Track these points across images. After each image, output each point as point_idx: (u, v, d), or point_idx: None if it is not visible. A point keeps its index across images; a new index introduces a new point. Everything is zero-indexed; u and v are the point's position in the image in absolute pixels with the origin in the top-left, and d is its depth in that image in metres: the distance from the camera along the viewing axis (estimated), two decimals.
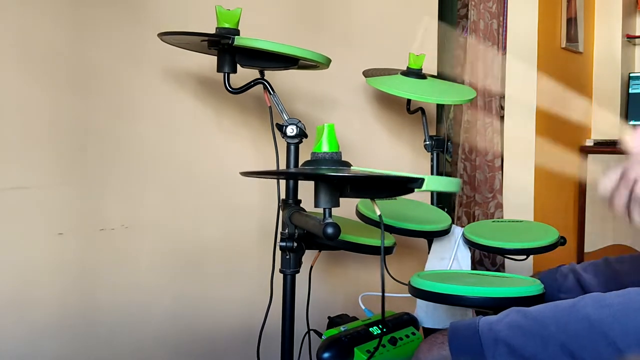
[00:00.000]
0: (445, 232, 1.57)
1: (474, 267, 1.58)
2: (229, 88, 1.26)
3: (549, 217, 2.68)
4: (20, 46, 1.24)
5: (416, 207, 1.67)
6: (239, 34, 1.20)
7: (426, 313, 1.52)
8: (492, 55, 2.75)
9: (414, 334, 1.40)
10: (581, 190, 3.15)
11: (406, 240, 1.73)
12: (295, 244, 1.19)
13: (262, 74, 1.30)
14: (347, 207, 1.27)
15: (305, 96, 1.73)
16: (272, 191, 1.30)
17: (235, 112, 1.59)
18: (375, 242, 1.25)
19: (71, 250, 1.32)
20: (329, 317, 1.48)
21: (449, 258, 1.59)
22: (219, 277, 1.57)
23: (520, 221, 1.76)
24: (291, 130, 1.25)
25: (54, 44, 1.28)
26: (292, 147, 1.26)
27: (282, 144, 1.27)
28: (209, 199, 1.55)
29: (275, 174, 1.24)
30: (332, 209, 0.94)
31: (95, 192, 1.36)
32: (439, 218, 1.62)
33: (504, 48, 2.75)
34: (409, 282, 1.21)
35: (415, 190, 0.94)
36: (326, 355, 1.24)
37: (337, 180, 0.94)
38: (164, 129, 1.47)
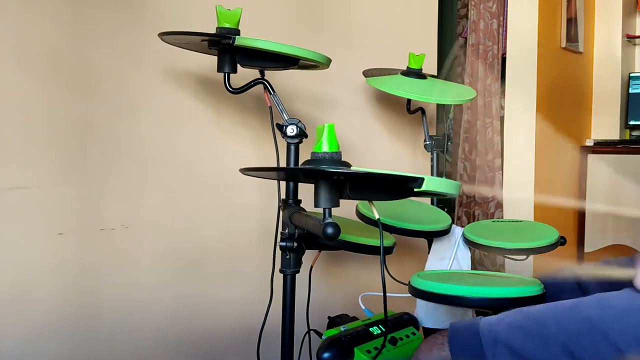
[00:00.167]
0: (445, 232, 1.57)
1: (474, 267, 1.58)
2: (229, 88, 1.26)
3: (549, 217, 2.68)
4: (20, 46, 1.24)
5: (416, 207, 1.67)
6: (239, 34, 1.20)
7: (426, 313, 1.52)
8: (492, 55, 2.75)
9: (414, 334, 1.40)
10: (581, 190, 3.16)
11: (406, 240, 1.73)
12: (295, 244, 1.19)
13: (262, 73, 1.30)
14: (347, 207, 1.27)
15: (305, 96, 1.73)
16: (272, 191, 1.30)
17: (235, 112, 1.59)
18: (375, 242, 1.25)
19: (71, 250, 1.32)
20: (329, 317, 1.48)
21: (449, 258, 1.59)
22: (219, 277, 1.57)
23: (520, 221, 1.76)
24: (291, 130, 1.25)
25: (54, 44, 1.28)
26: (292, 147, 1.26)
27: (282, 143, 1.27)
28: (209, 199, 1.55)
29: (274, 170, 1.24)
30: (332, 209, 0.94)
31: (95, 192, 1.36)
32: (439, 218, 1.62)
33: (504, 48, 2.75)
34: (409, 282, 1.21)
35: (415, 190, 0.94)
36: (326, 355, 1.24)
37: (336, 179, 0.94)
38: (164, 129, 1.47)
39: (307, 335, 1.46)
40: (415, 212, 1.62)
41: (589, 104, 3.39)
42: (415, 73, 1.67)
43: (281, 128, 1.25)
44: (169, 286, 1.48)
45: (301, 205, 1.27)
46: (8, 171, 1.23)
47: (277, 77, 1.54)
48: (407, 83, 1.65)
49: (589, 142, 3.25)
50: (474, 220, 2.71)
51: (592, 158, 3.16)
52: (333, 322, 1.46)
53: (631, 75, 3.41)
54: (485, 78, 2.76)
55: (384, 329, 1.34)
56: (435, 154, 1.77)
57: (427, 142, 1.77)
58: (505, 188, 2.70)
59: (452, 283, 1.16)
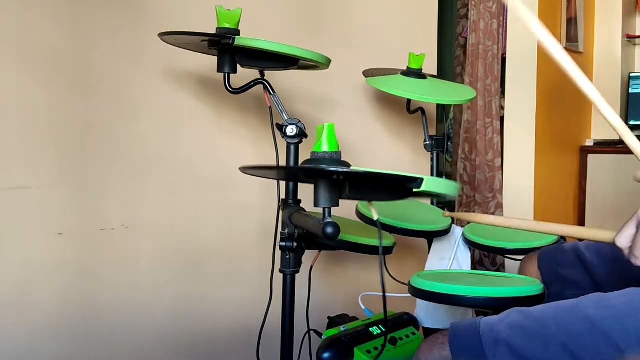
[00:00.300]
0: (445, 232, 1.57)
1: (474, 267, 1.58)
2: (229, 88, 1.26)
3: (549, 217, 2.68)
4: (20, 46, 1.24)
5: (416, 207, 1.67)
6: (239, 34, 1.20)
7: (426, 313, 1.52)
8: (492, 55, 2.75)
9: (414, 334, 1.40)
10: (581, 189, 3.16)
11: (406, 240, 1.73)
12: (295, 244, 1.19)
13: (262, 74, 1.30)
14: (347, 207, 1.27)
15: (305, 96, 1.73)
16: (272, 191, 1.30)
17: (235, 112, 1.59)
18: (375, 242, 1.25)
19: (71, 250, 1.32)
20: (329, 317, 1.48)
21: (449, 258, 1.59)
22: (219, 277, 1.57)
23: None
24: (291, 130, 1.25)
25: (54, 44, 1.28)
26: (292, 147, 1.26)
27: (282, 143, 1.27)
28: (209, 199, 1.55)
29: (274, 169, 1.24)
30: (332, 208, 0.94)
31: (95, 192, 1.36)
32: (439, 218, 1.62)
33: (504, 48, 2.75)
34: (409, 282, 1.21)
35: (414, 190, 0.94)
36: (326, 355, 1.24)
37: (336, 179, 0.94)
38: (164, 129, 1.47)
39: (307, 335, 1.46)
40: (415, 212, 1.62)
41: (589, 104, 3.39)
42: (415, 73, 1.67)
43: (281, 128, 1.25)
44: (169, 286, 1.48)
45: (301, 205, 1.27)
46: (8, 171, 1.23)
47: (277, 77, 1.54)
48: (407, 83, 1.65)
49: (589, 142, 3.25)
50: None
51: (592, 158, 3.16)
52: (333, 322, 1.46)
53: (631, 75, 3.41)
54: (485, 78, 2.76)
55: (384, 329, 1.34)
56: (435, 154, 1.77)
57: (427, 142, 1.77)
58: (505, 188, 2.71)
59: (452, 283, 1.16)
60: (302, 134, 1.25)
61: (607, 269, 1.27)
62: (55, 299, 1.30)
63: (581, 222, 3.14)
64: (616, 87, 3.36)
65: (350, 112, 1.87)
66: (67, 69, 1.31)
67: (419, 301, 1.52)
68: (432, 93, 1.68)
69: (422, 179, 0.91)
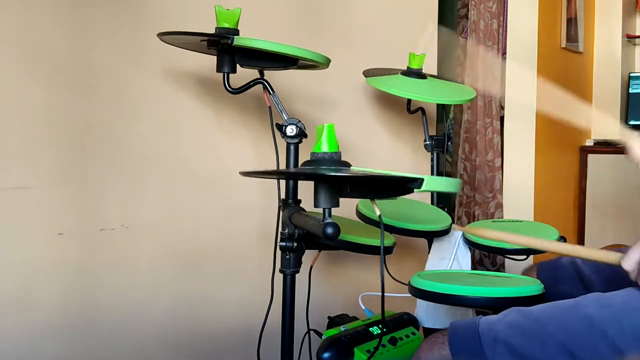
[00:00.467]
0: (445, 232, 1.57)
1: (474, 267, 1.58)
2: (228, 88, 1.26)
3: (549, 217, 2.68)
4: (20, 46, 1.24)
5: (416, 207, 1.67)
6: (238, 34, 1.20)
7: (426, 313, 1.52)
8: (492, 55, 2.75)
9: (414, 334, 1.40)
10: (581, 189, 3.16)
11: (406, 240, 1.73)
12: (295, 244, 1.19)
13: (261, 73, 1.30)
14: (347, 207, 1.27)
15: (305, 96, 1.73)
16: (272, 191, 1.30)
17: (235, 112, 1.59)
18: (375, 242, 1.25)
19: (71, 250, 1.32)
20: (329, 317, 1.48)
21: (449, 258, 1.59)
22: (219, 277, 1.57)
23: (520, 221, 1.76)
24: (291, 130, 1.25)
25: (54, 44, 1.28)
26: (292, 147, 1.26)
27: (282, 143, 1.27)
28: (209, 199, 1.55)
29: (275, 174, 1.24)
30: (332, 209, 0.94)
31: (95, 192, 1.36)
32: (439, 218, 1.61)
33: (504, 48, 2.75)
34: (409, 282, 1.21)
35: (415, 190, 0.94)
36: (326, 355, 1.24)
37: (336, 180, 0.94)
38: (164, 129, 1.47)
39: (307, 335, 1.46)
40: (415, 212, 1.62)
41: (589, 104, 3.39)
42: (415, 73, 1.67)
43: (281, 128, 1.25)
44: (169, 286, 1.48)
45: (301, 205, 1.27)
46: (8, 171, 1.24)
47: (277, 77, 1.54)
48: (407, 83, 1.65)
49: (589, 142, 3.24)
50: (474, 220, 2.71)
51: (592, 158, 3.16)
52: (333, 322, 1.46)
53: (631, 75, 3.41)
54: (485, 78, 2.76)
55: (384, 329, 1.34)
56: (435, 154, 1.77)
57: (427, 142, 1.77)
58: (505, 188, 2.70)
59: (452, 283, 1.16)
60: (301, 134, 1.25)
61: (605, 285, 1.28)
62: (55, 299, 1.30)
63: (581, 222, 3.14)
64: (616, 87, 3.36)
65: (350, 112, 1.86)
66: (67, 69, 1.31)
67: (419, 301, 1.52)
68: (432, 93, 1.68)
69: (422, 179, 0.91)
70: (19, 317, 1.25)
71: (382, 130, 1.97)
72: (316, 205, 0.95)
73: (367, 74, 1.73)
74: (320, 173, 0.93)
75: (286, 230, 1.19)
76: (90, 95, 1.34)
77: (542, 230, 1.63)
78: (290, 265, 1.22)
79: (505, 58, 2.72)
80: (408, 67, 1.67)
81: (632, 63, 3.54)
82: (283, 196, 1.30)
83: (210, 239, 1.56)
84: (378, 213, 1.02)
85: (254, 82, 1.29)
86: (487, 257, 2.74)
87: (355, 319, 1.44)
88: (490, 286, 1.17)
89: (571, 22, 2.95)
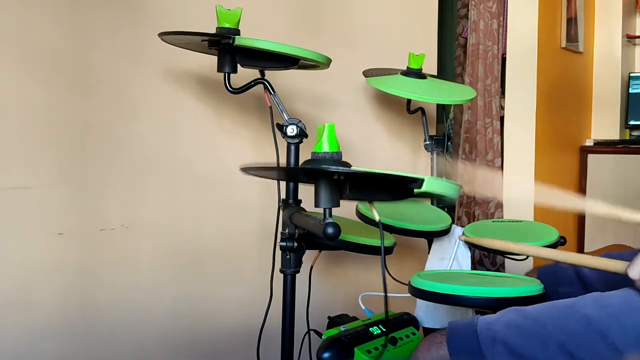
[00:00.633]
0: (445, 232, 1.56)
1: (474, 267, 1.58)
2: (229, 88, 1.26)
3: (549, 217, 2.68)
4: (20, 46, 1.24)
5: (416, 207, 1.67)
6: (239, 34, 1.20)
7: (426, 313, 1.52)
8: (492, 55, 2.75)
9: (414, 334, 1.40)
10: (581, 190, 3.15)
11: (406, 240, 1.73)
12: (295, 244, 1.19)
13: (262, 73, 1.30)
14: (347, 207, 1.27)
15: (306, 96, 1.73)
16: (272, 191, 1.30)
17: (235, 112, 1.59)
18: (375, 242, 1.25)
19: (71, 250, 1.32)
20: (329, 317, 1.48)
21: (449, 258, 1.58)
22: (219, 277, 1.57)
23: (520, 221, 1.76)
24: (291, 130, 1.25)
25: (54, 44, 1.28)
26: (293, 147, 1.26)
27: (282, 143, 1.27)
28: (209, 198, 1.55)
29: (274, 169, 1.24)
30: (332, 209, 0.94)
31: (95, 192, 1.36)
32: (439, 218, 1.61)
33: (504, 48, 2.75)
34: (409, 282, 1.21)
35: (415, 190, 0.94)
36: (326, 355, 1.24)
37: (336, 179, 0.94)
38: (164, 128, 1.47)
39: (307, 335, 1.46)
40: (415, 212, 1.62)
41: (589, 104, 3.39)
42: (415, 73, 1.67)
43: (281, 128, 1.25)
44: (169, 286, 1.48)
45: (301, 205, 1.27)
46: (8, 171, 1.23)
47: (277, 77, 1.54)
48: (407, 83, 1.65)
49: (589, 142, 3.24)
50: (474, 220, 2.71)
51: (592, 158, 3.16)
52: (333, 322, 1.46)
53: (631, 75, 3.41)
54: (485, 78, 2.76)
55: (384, 329, 1.34)
56: (435, 154, 1.77)
57: (427, 142, 1.77)
58: (505, 188, 2.70)
59: (452, 283, 1.16)
60: (302, 134, 1.25)
61: (605, 284, 1.28)
62: (55, 299, 1.30)
63: (581, 222, 3.14)
64: (616, 87, 3.36)
65: (350, 112, 1.86)
66: (67, 69, 1.31)
67: (419, 301, 1.52)
68: (432, 93, 1.68)
69: (422, 179, 0.91)
70: (19, 317, 1.25)
71: (382, 131, 1.97)
72: (316, 205, 0.95)
73: (367, 74, 1.73)
74: (321, 168, 0.93)
75: (286, 230, 1.19)
76: (90, 95, 1.34)
77: (542, 230, 1.63)
78: (290, 265, 1.22)
79: (505, 58, 2.72)
80: (408, 67, 1.67)
81: (632, 63, 3.54)
82: (283, 196, 1.30)
83: (210, 239, 1.56)
84: (377, 218, 1.02)
85: (254, 82, 1.29)
86: (487, 257, 2.74)
87: (355, 319, 1.44)
88: (490, 286, 1.17)
89: (571, 22, 2.95)
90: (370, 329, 1.34)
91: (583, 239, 3.12)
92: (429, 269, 1.59)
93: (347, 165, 1.00)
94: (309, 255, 1.31)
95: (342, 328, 1.33)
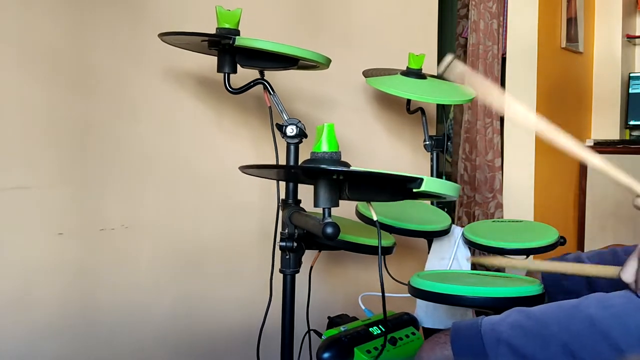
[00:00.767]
0: (445, 232, 1.57)
1: (474, 267, 1.59)
2: (229, 88, 1.26)
3: (549, 217, 2.68)
4: (20, 46, 1.24)
5: (416, 207, 1.67)
6: (239, 34, 1.20)
7: (426, 313, 1.52)
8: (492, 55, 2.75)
9: (414, 334, 1.40)
10: (581, 189, 3.16)
11: (406, 240, 1.73)
12: (295, 244, 1.19)
13: (262, 74, 1.31)
14: (347, 207, 1.27)
15: (305, 96, 1.73)
16: (272, 191, 1.30)
17: (235, 112, 1.59)
18: (375, 242, 1.25)
19: (71, 250, 1.32)
20: (329, 317, 1.48)
21: (449, 258, 1.59)
22: (219, 277, 1.57)
23: (520, 221, 1.76)
24: (291, 130, 1.25)
25: (54, 44, 1.28)
26: (292, 147, 1.26)
27: (282, 144, 1.27)
28: (209, 199, 1.55)
29: (274, 167, 1.24)
30: (332, 209, 0.94)
31: (95, 192, 1.36)
32: (439, 218, 1.62)
33: (504, 48, 2.75)
34: (409, 282, 1.21)
35: (414, 191, 0.94)
36: (326, 355, 1.24)
37: (336, 179, 0.94)
38: (164, 129, 1.47)
39: (307, 335, 1.46)
40: (415, 212, 1.62)
41: (589, 104, 3.39)
42: (415, 73, 1.67)
43: (281, 128, 1.25)
44: (169, 286, 1.49)
45: (301, 205, 1.27)
46: (8, 171, 1.23)
47: (277, 77, 1.54)
48: (407, 83, 1.65)
49: (589, 142, 3.24)
50: (474, 220, 2.71)
51: None
52: (333, 322, 1.46)
53: (631, 75, 3.41)
54: (485, 78, 2.76)
55: (383, 329, 1.34)
56: (435, 154, 1.77)
57: (427, 142, 1.77)
58: (505, 188, 2.71)
59: (452, 283, 1.16)
60: (302, 134, 1.25)
61: (609, 285, 1.28)
62: (55, 299, 1.30)
63: (581, 222, 3.14)
64: (616, 87, 3.36)
65: (350, 112, 1.87)
66: (67, 69, 1.31)
67: (419, 301, 1.52)
68: (432, 93, 1.68)
69: (422, 179, 0.91)
70: (19, 317, 1.25)
71: (381, 130, 1.97)
72: (316, 205, 0.95)
73: (367, 74, 1.73)
74: (320, 167, 0.93)
75: (286, 230, 1.19)
76: (90, 95, 1.34)
77: (542, 230, 1.63)
78: (290, 265, 1.22)
79: (505, 58, 2.73)
80: (408, 67, 1.68)
81: (632, 63, 3.54)
82: (283, 196, 1.30)
83: (210, 239, 1.56)
84: (375, 218, 1.02)
85: (254, 83, 1.29)
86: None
87: (355, 319, 1.44)
88: (490, 286, 1.17)
89: (571, 22, 2.95)
90: (370, 329, 1.34)
91: (583, 239, 3.12)
92: (428, 269, 1.59)
93: (347, 165, 1.00)
94: (308, 255, 1.31)
95: (342, 328, 1.34)
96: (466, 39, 2.94)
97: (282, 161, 1.29)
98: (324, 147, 0.99)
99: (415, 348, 1.15)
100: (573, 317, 0.96)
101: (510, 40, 2.68)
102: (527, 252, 1.52)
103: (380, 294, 1.04)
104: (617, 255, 1.38)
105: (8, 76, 1.23)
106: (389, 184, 0.99)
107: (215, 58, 1.25)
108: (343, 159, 1.00)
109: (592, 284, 1.30)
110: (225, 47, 1.21)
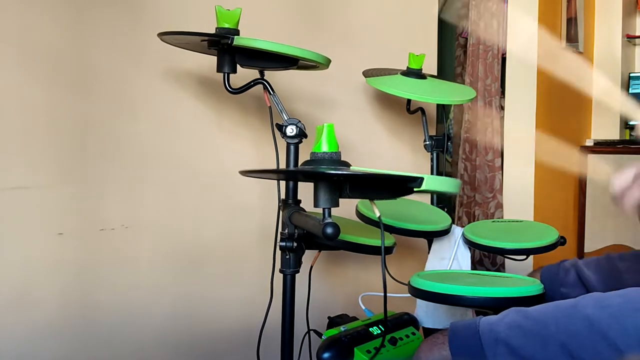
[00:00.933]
0: (445, 232, 1.57)
1: (474, 267, 1.59)
2: (229, 88, 1.26)
3: (549, 217, 2.68)
4: (20, 46, 1.24)
5: (416, 207, 1.67)
6: (238, 34, 1.20)
7: (426, 313, 1.52)
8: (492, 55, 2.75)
9: (414, 334, 1.40)
10: (581, 189, 3.15)
11: (406, 240, 1.73)
12: (295, 244, 1.19)
13: (262, 74, 1.31)
14: (347, 207, 1.27)
15: (305, 96, 1.73)
16: (272, 191, 1.30)
17: (235, 112, 1.59)
18: (375, 242, 1.25)
19: (71, 250, 1.32)
20: (329, 317, 1.48)
21: (449, 258, 1.59)
22: (219, 277, 1.57)
23: (520, 221, 1.76)
24: (291, 130, 1.25)
25: (54, 44, 1.28)
26: (292, 147, 1.26)
27: (282, 144, 1.27)
28: (209, 199, 1.55)
29: (274, 172, 1.24)
30: (332, 209, 0.94)
31: (95, 192, 1.36)
32: (439, 218, 1.61)
33: (504, 48, 2.75)
34: (409, 282, 1.21)
35: (415, 190, 0.94)
36: (326, 355, 1.24)
37: (336, 180, 0.94)
38: (164, 129, 1.47)
39: (307, 335, 1.46)
40: (415, 212, 1.62)
41: (589, 104, 3.39)
42: (415, 73, 1.67)
43: (281, 128, 1.25)
44: (169, 286, 1.48)
45: (301, 205, 1.27)
46: (8, 171, 1.23)
47: (277, 77, 1.54)
48: (407, 83, 1.65)
49: (589, 142, 3.24)
50: (474, 220, 2.71)
51: (592, 158, 3.16)
52: (333, 322, 1.46)
53: (631, 75, 3.41)
54: (485, 78, 2.76)
55: (383, 329, 1.34)
56: (435, 154, 1.77)
57: (427, 142, 1.77)
58: (505, 188, 2.70)
59: (452, 283, 1.16)
60: (302, 134, 1.25)
61: (605, 284, 1.29)
62: (55, 299, 1.30)
63: (581, 221, 3.14)
64: (616, 87, 3.35)
65: (350, 112, 1.87)
66: (67, 69, 1.31)
67: (419, 301, 1.52)
68: (432, 93, 1.68)
69: (422, 178, 0.91)
70: (19, 317, 1.25)
71: (382, 130, 1.97)
72: (316, 205, 0.95)
73: (367, 74, 1.73)
74: (319, 171, 0.93)
75: (286, 230, 1.19)
76: (90, 95, 1.34)
77: (542, 230, 1.63)
78: (290, 265, 1.22)
79: (505, 58, 2.72)
80: (408, 67, 1.68)
81: (632, 63, 3.54)
82: (283, 196, 1.30)
83: (210, 239, 1.56)
84: (378, 214, 1.02)
85: (254, 82, 1.29)
86: (487, 257, 2.74)
87: (355, 319, 1.44)
88: (490, 286, 1.17)
89: (571, 22, 2.95)
90: (370, 329, 1.34)
91: (583, 239, 3.12)
92: (428, 269, 1.59)
93: (347, 165, 1.00)
94: (308, 255, 1.31)
95: (342, 328, 1.34)
96: (466, 39, 2.93)
97: (282, 161, 1.29)
98: (324, 148, 0.99)
99: (416, 348, 1.15)
100: (571, 317, 0.96)
101: (510, 40, 2.68)
102: (527, 252, 1.52)
103: (380, 294, 1.04)
104: (611, 261, 1.38)
105: (8, 76, 1.23)
106: (389, 184, 0.99)
107: (215, 58, 1.26)
108: (343, 158, 1.00)
109: (589, 291, 1.31)
110: (224, 46, 1.21)
